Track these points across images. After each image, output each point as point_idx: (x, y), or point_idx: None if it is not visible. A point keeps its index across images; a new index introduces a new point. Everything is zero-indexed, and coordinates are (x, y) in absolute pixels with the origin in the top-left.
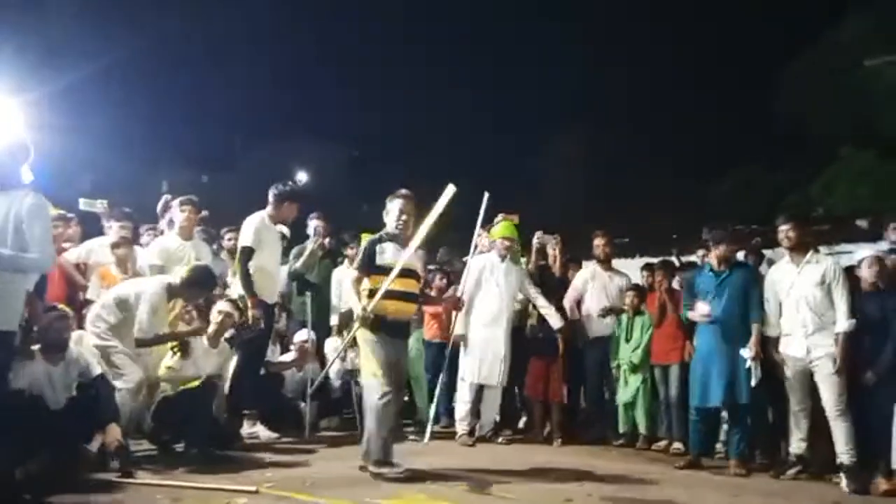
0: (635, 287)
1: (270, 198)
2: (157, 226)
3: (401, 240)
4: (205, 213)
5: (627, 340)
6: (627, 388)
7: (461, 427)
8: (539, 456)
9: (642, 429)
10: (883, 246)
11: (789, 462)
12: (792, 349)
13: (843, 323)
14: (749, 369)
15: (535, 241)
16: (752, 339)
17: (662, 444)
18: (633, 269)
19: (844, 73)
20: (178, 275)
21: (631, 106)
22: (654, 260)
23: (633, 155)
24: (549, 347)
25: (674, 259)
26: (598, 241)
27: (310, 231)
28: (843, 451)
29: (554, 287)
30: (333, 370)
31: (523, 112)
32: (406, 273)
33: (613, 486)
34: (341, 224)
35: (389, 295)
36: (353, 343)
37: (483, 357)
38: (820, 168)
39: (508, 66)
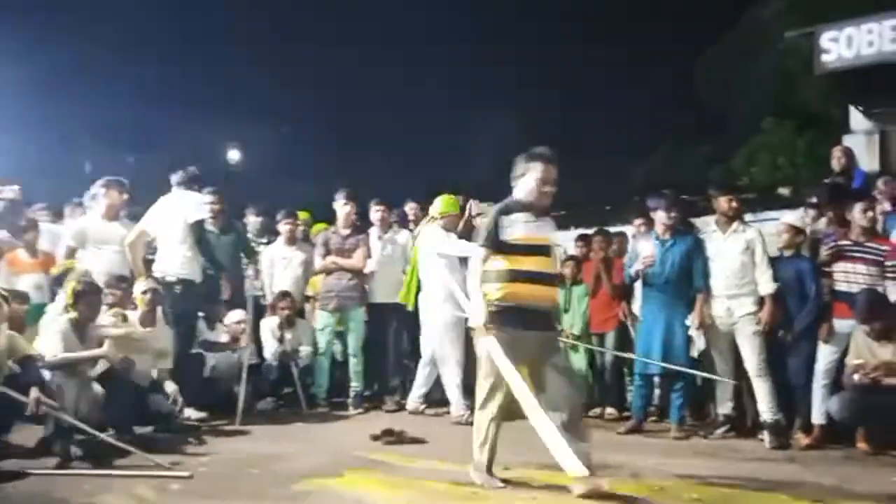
0: (571, 258)
1: (171, 182)
2: (82, 201)
3: (535, 210)
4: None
5: (566, 311)
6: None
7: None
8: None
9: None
10: (801, 213)
11: (717, 422)
12: (715, 311)
13: (768, 286)
14: (691, 337)
15: (472, 209)
16: (697, 309)
17: (597, 410)
18: (568, 241)
19: (765, 48)
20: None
21: (564, 83)
22: (589, 231)
23: (564, 131)
24: None
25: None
26: None
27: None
28: (766, 409)
29: None
30: (269, 351)
31: (457, 89)
32: (538, 250)
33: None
34: (275, 202)
35: (521, 277)
36: (290, 320)
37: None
38: (743, 140)
39: (442, 43)
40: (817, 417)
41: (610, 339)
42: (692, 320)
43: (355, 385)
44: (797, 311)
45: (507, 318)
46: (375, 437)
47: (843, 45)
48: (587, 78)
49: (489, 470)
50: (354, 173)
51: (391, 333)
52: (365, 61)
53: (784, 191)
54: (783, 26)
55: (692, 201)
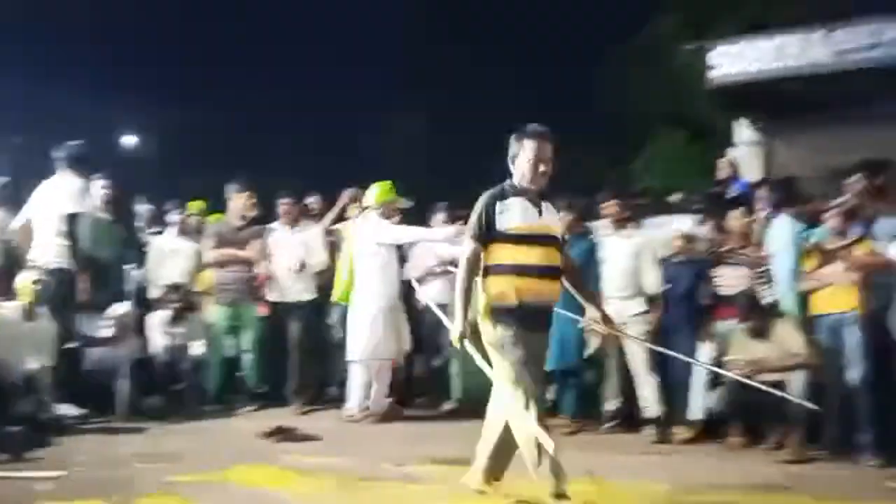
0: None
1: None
2: None
3: (532, 195)
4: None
5: None
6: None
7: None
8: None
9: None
10: (690, 220)
11: (604, 417)
12: (606, 310)
13: (655, 287)
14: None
15: (346, 198)
16: (589, 311)
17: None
18: None
19: (662, 60)
20: None
21: (469, 86)
22: None
23: (471, 134)
24: None
25: None
26: (440, 216)
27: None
28: (650, 405)
29: None
30: (158, 346)
31: (366, 88)
32: (542, 240)
33: (448, 447)
34: (170, 190)
35: (521, 271)
36: (180, 314)
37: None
38: (640, 147)
39: (348, 42)
40: (696, 413)
41: None
42: (585, 322)
43: (248, 383)
44: (682, 312)
45: (508, 319)
46: (266, 435)
47: (731, 60)
48: (493, 76)
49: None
50: (257, 164)
51: (297, 332)
52: (270, 52)
53: (676, 197)
54: (679, 40)
55: (591, 204)
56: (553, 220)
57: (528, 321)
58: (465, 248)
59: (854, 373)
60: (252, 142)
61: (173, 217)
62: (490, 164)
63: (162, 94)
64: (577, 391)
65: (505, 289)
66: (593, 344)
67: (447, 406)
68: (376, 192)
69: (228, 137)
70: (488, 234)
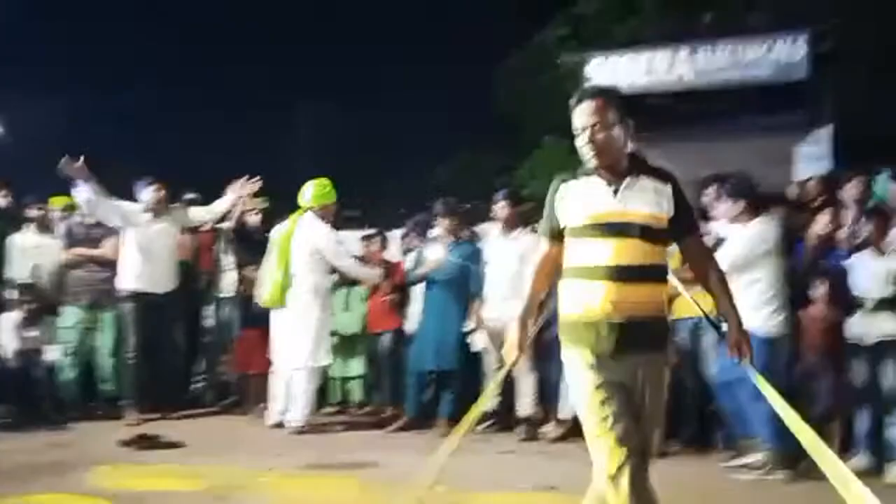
0: (356, 258)
1: None
2: None
3: (607, 173)
4: None
5: (345, 311)
6: (348, 360)
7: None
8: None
9: (356, 397)
10: None
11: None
12: (490, 314)
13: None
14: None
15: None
16: (473, 313)
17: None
18: (355, 241)
19: (550, 69)
20: None
21: (373, 87)
22: (372, 231)
23: (369, 134)
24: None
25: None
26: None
27: None
28: (524, 404)
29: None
30: (9, 350)
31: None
32: (619, 230)
33: (319, 453)
34: (37, 183)
35: (586, 274)
36: (34, 316)
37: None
38: (528, 153)
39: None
40: (567, 411)
41: (387, 338)
42: (469, 323)
43: (110, 388)
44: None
45: (573, 336)
46: (126, 443)
47: (607, 73)
48: (392, 77)
49: None
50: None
51: (164, 331)
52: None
53: None
54: (564, 50)
55: (481, 207)
56: (640, 203)
57: (601, 341)
58: (535, 255)
59: (711, 372)
60: (112, 134)
61: (32, 213)
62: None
63: (28, 84)
64: (456, 393)
65: (567, 298)
66: (476, 345)
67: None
68: (313, 192)
69: (109, 129)
70: (553, 229)
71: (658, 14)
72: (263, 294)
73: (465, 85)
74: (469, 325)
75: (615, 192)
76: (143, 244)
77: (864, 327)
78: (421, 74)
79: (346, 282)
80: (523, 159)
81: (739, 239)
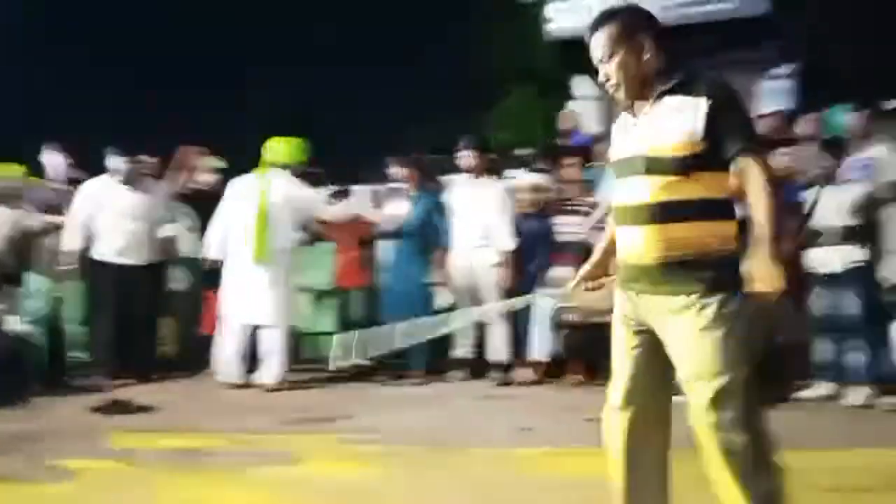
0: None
1: None
2: None
3: (632, 107)
4: None
5: (315, 267)
6: (319, 317)
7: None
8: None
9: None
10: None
11: (453, 365)
12: (459, 263)
13: (507, 241)
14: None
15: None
16: (437, 263)
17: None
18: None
19: (509, 14)
20: None
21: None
22: (340, 187)
23: (343, 89)
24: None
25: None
26: None
27: None
28: (496, 351)
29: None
30: None
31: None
32: (631, 166)
33: (295, 411)
34: None
35: (616, 216)
36: None
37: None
38: (492, 102)
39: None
40: (539, 356)
41: (357, 294)
42: (434, 275)
43: (78, 356)
44: (532, 261)
45: (618, 278)
46: (97, 409)
47: (566, 15)
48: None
49: None
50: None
51: (136, 297)
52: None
53: (525, 152)
54: None
55: (445, 159)
56: (652, 133)
57: (627, 284)
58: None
59: None
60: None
61: None
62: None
63: None
64: (426, 344)
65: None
66: (443, 297)
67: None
68: (286, 150)
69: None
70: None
71: None
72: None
73: (428, 39)
74: (433, 276)
75: (635, 124)
76: (116, 213)
77: (823, 258)
78: (379, 32)
79: (316, 238)
80: (487, 109)
81: None
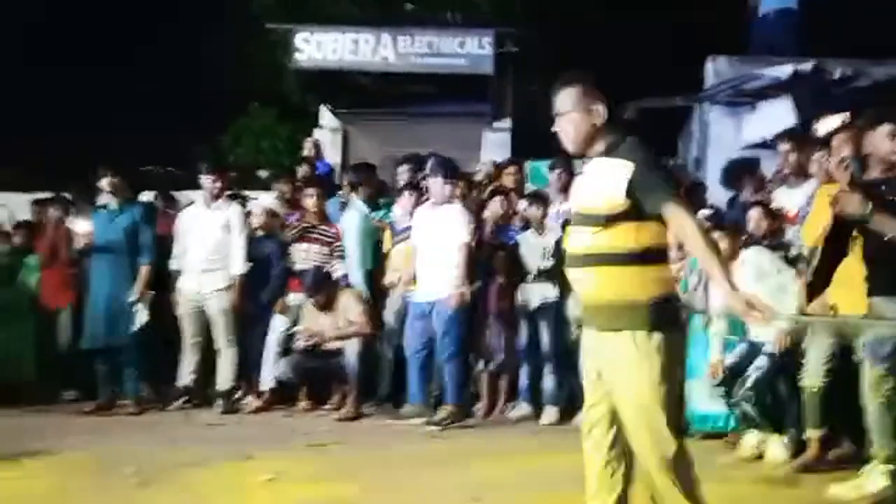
0: (25, 224)
1: None
2: None
3: (589, 162)
4: None
5: (6, 283)
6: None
7: None
8: None
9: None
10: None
11: (174, 394)
12: (188, 285)
13: (239, 265)
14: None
15: None
16: (140, 281)
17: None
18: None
19: (257, 37)
20: None
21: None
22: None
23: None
24: None
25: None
26: None
27: None
28: (224, 379)
29: None
30: None
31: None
32: (576, 218)
33: None
34: None
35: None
36: None
37: None
38: (231, 121)
39: None
40: (267, 382)
41: (64, 316)
42: (134, 294)
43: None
44: (264, 286)
45: None
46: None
47: (314, 47)
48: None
49: None
50: None
51: None
52: None
53: (264, 173)
54: (272, 18)
55: (177, 175)
56: (590, 190)
57: (584, 321)
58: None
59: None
60: None
61: None
62: None
63: None
64: (136, 369)
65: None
66: (141, 318)
67: None
68: None
69: None
70: None
71: None
72: None
73: (169, 52)
74: (133, 296)
75: (581, 180)
76: None
77: (528, 294)
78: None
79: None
80: (227, 128)
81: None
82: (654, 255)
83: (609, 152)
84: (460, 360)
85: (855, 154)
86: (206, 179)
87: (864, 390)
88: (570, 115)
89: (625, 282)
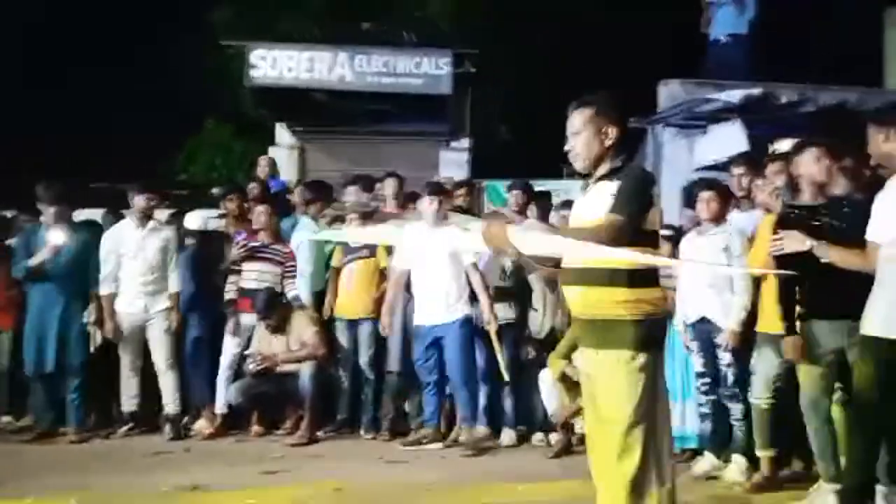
0: None
1: None
2: None
3: (590, 181)
4: None
5: None
6: None
7: None
8: None
9: None
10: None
11: (122, 420)
12: (128, 307)
13: (176, 283)
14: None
15: None
16: (96, 304)
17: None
18: None
19: (212, 52)
20: None
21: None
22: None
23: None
24: None
25: None
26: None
27: None
28: (170, 403)
29: None
30: None
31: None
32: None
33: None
34: None
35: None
36: None
37: None
38: (185, 138)
39: None
40: (220, 407)
41: (5, 338)
42: (89, 316)
43: None
44: (204, 306)
45: None
46: None
47: (269, 64)
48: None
49: None
50: None
51: None
52: None
53: (216, 191)
54: (229, 34)
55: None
56: (585, 209)
57: (577, 337)
58: None
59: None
60: None
61: None
62: None
63: None
64: (83, 394)
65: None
66: (97, 339)
67: None
68: None
69: None
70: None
71: (319, 16)
72: None
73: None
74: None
75: (582, 199)
76: None
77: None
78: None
79: None
80: (182, 142)
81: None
82: (643, 276)
83: (610, 175)
84: (472, 383)
85: (788, 180)
86: (139, 198)
87: (803, 411)
88: (582, 135)
89: (614, 301)
